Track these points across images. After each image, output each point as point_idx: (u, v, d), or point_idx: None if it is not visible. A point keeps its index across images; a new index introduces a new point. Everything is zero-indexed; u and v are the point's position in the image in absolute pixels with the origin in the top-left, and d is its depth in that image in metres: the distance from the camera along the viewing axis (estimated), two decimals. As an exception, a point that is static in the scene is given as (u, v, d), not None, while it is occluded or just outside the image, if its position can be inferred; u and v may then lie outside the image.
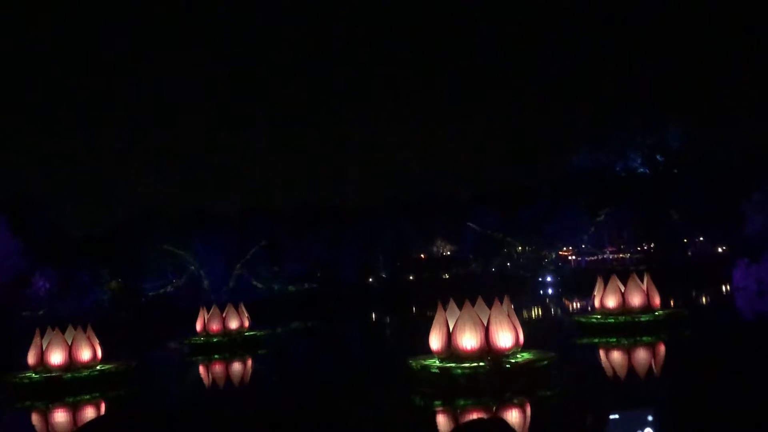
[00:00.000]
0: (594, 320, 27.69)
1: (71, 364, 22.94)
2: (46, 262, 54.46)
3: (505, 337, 18.06)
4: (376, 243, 71.40)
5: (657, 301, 27.62)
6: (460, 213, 74.43)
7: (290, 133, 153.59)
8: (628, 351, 23.68)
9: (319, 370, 25.69)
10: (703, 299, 46.49)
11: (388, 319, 49.27)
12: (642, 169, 78.02)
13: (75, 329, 23.60)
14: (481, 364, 17.60)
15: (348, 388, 21.09)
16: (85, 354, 23.20)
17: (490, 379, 17.35)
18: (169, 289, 63.05)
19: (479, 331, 17.96)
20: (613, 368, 21.36)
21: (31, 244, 53.96)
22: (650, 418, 13.20)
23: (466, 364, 17.69)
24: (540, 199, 71.92)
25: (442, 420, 15.81)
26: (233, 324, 32.46)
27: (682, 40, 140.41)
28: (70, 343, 23.17)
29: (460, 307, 18.49)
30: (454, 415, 15.83)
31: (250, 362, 28.79)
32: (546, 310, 46.97)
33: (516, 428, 13.56)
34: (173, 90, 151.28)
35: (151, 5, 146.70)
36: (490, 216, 71.40)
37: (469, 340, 17.97)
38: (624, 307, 27.21)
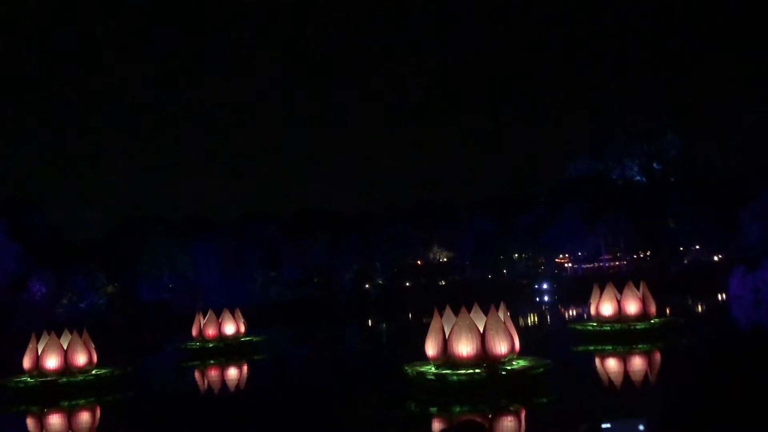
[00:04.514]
0: (590, 328, 27.71)
1: (67, 368, 22.88)
2: (43, 266, 54.36)
3: (501, 344, 18.08)
4: (373, 249, 71.38)
5: (653, 309, 27.62)
6: (457, 220, 74.42)
7: (288, 138, 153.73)
8: (624, 359, 23.71)
9: (315, 376, 25.66)
10: (699, 308, 46.51)
11: (384, 326, 49.22)
12: (639, 178, 78.14)
13: (71, 333, 23.57)
14: (477, 371, 17.63)
15: (344, 394, 21.08)
16: (80, 358, 23.15)
17: (485, 386, 17.37)
18: (165, 294, 62.94)
19: (475, 338, 17.98)
20: (608, 376, 21.38)
21: (28, 248, 53.90)
22: (642, 427, 13.25)
23: (462, 371, 17.72)
24: (537, 207, 71.95)
25: (437, 426, 15.81)
26: (229, 329, 32.44)
27: (680, 50, 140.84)
28: (65, 348, 23.14)
29: (456, 313, 18.52)
30: (450, 422, 15.82)
31: (246, 368, 28.77)
32: (542, 317, 46.97)
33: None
34: (171, 94, 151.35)
35: (146, 9, 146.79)
36: (487, 223, 71.37)
37: (465, 346, 17.99)
38: (620, 315, 27.24)
